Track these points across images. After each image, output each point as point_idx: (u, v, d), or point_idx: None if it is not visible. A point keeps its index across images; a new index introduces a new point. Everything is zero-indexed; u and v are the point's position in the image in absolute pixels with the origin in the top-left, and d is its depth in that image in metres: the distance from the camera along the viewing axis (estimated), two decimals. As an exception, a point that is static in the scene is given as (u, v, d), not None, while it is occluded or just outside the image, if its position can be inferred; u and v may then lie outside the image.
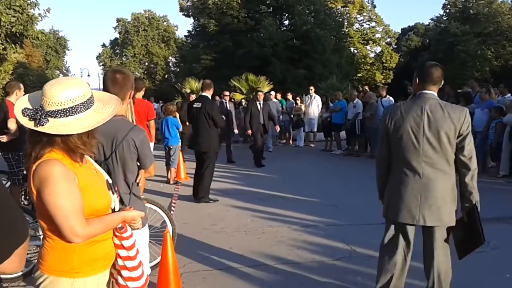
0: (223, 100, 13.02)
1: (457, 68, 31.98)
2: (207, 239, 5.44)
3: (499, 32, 33.52)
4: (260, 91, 11.96)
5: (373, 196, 7.25)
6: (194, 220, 6.30)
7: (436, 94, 3.08)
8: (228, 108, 12.70)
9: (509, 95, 10.09)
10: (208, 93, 7.31)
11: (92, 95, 1.93)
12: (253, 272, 4.38)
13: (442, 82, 3.12)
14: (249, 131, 10.66)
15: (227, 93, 12.54)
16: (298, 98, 15.48)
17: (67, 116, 1.81)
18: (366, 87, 15.84)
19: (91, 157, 2.09)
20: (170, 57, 48.48)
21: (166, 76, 47.91)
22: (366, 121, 11.68)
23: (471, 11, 36.42)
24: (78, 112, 1.84)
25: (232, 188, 8.39)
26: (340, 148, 13.28)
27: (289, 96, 16.26)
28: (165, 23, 49.51)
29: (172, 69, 48.07)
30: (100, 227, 1.90)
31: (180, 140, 9.53)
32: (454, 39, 33.16)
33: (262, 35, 29.73)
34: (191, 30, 35.39)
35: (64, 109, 1.81)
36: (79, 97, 1.85)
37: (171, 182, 8.93)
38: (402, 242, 3.34)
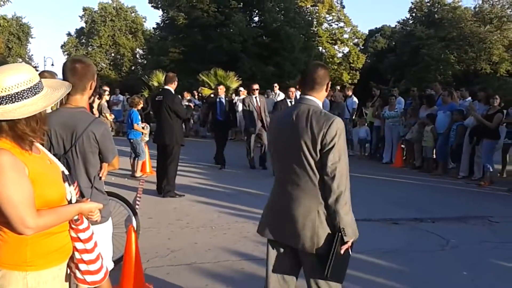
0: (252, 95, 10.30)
1: (421, 71, 32.79)
2: (172, 234, 5.39)
3: (461, 37, 34.49)
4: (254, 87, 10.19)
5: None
6: (159, 214, 6.23)
7: (315, 100, 2.60)
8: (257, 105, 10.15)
9: (469, 98, 10.41)
10: (171, 86, 7.26)
11: (40, 81, 1.88)
12: (218, 267, 4.37)
13: (325, 85, 2.66)
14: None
15: (256, 86, 10.17)
16: (265, 94, 15.52)
17: (13, 102, 1.77)
18: (338, 87, 16.03)
19: (42, 145, 2.05)
20: (138, 49, 47.69)
21: (133, 68, 47.10)
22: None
23: (436, 15, 37.36)
24: (25, 98, 1.79)
25: (198, 183, 8.34)
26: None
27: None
28: (133, 14, 48.63)
29: (139, 61, 47.31)
30: (52, 219, 1.84)
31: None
32: (419, 43, 33.93)
33: (232, 30, 29.64)
34: (160, 22, 34.88)
35: (9, 95, 1.76)
36: (25, 82, 1.80)
37: (136, 175, 8.81)
38: (272, 259, 2.76)
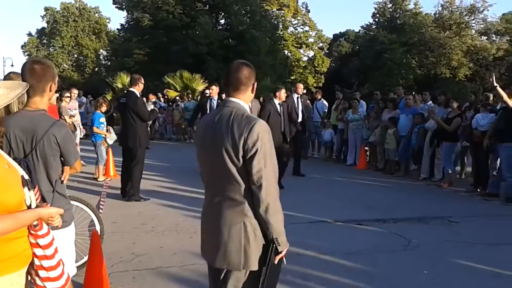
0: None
1: (384, 75, 33.49)
2: (137, 238, 5.32)
3: (422, 42, 35.45)
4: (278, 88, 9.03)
5: (302, 196, 7.47)
6: (123, 219, 6.14)
7: (240, 102, 2.40)
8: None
9: (430, 102, 10.71)
10: (136, 89, 7.17)
11: None
12: (184, 271, 4.34)
13: (251, 86, 2.46)
14: None
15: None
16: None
17: None
18: (305, 90, 16.17)
19: (1, 148, 2.00)
20: (101, 50, 46.82)
21: (96, 69, 46.20)
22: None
23: (398, 21, 38.24)
24: None
25: (164, 187, 8.25)
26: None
27: (223, 96, 16.29)
28: (96, 14, 47.71)
29: (103, 62, 46.40)
30: (9, 224, 1.79)
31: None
32: (381, 47, 34.67)
33: (197, 32, 29.54)
34: (124, 23, 34.42)
35: None
36: None
37: (99, 179, 8.66)
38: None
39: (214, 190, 2.40)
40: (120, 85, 20.14)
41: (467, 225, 6.29)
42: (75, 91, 10.76)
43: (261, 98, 14.71)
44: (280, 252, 2.33)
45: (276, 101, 8.25)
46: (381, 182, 9.38)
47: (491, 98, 8.86)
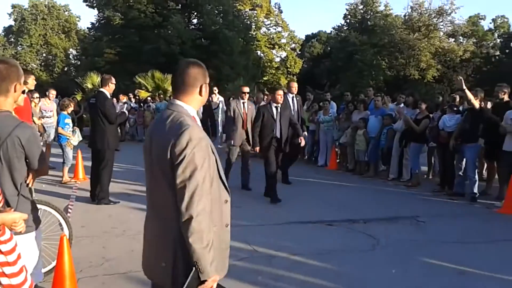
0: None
1: (355, 76, 33.94)
2: (106, 242, 5.26)
3: (392, 44, 36.07)
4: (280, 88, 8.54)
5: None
6: (93, 222, 6.05)
7: (184, 105, 2.21)
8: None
9: (397, 104, 10.88)
10: (106, 89, 7.08)
11: None
12: (155, 275, 4.31)
13: (199, 87, 2.24)
14: (257, 148, 7.84)
15: (246, 89, 8.72)
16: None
17: None
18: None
19: None
20: (71, 49, 45.97)
21: (66, 69, 45.31)
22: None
23: (369, 22, 38.81)
24: None
25: (134, 190, 8.16)
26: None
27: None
28: (66, 12, 46.81)
29: (73, 62, 45.60)
30: None
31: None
32: (353, 48, 35.11)
33: (169, 32, 29.32)
34: (95, 22, 33.86)
35: None
36: None
37: (63, 181, 8.53)
38: None
39: (151, 201, 2.25)
40: (90, 85, 19.82)
41: (434, 224, 6.46)
42: (53, 92, 10.55)
43: (231, 98, 14.77)
44: (203, 282, 1.97)
45: (273, 105, 7.74)
46: (351, 182, 9.52)
47: (458, 99, 9.11)
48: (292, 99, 9.17)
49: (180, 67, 2.25)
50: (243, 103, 8.49)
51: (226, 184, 2.25)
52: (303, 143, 8.00)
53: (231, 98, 14.76)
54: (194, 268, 1.96)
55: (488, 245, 5.58)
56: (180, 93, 2.21)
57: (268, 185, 7.66)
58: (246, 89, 8.75)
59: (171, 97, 2.30)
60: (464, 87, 7.66)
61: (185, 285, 1.94)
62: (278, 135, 7.68)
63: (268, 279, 4.29)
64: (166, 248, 2.08)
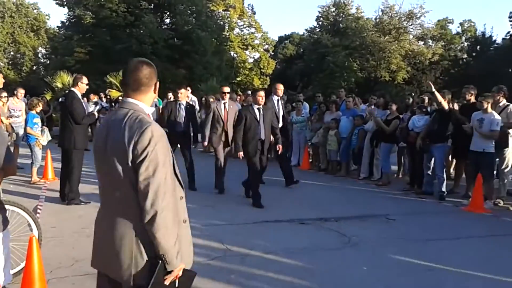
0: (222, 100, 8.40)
1: (327, 78, 34.31)
2: (76, 243, 5.18)
3: (364, 46, 36.62)
4: (255, 90, 8.13)
5: (247, 198, 7.52)
6: (63, 223, 5.95)
7: (139, 103, 2.22)
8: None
9: (369, 105, 11.05)
10: (76, 88, 6.99)
11: None
12: (127, 275, 4.27)
13: (153, 86, 2.27)
14: (240, 153, 7.39)
15: (226, 89, 8.47)
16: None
17: None
18: (249, 92, 16.30)
19: None
20: (40, 48, 44.93)
21: (35, 68, 44.30)
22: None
23: (341, 25, 39.27)
24: None
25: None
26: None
27: (170, 96, 16.08)
28: (35, 10, 45.76)
29: (42, 60, 44.57)
30: None
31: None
32: (325, 50, 35.48)
33: (142, 31, 29.01)
34: (65, 20, 33.18)
35: None
36: None
37: (32, 182, 8.36)
38: None
39: (106, 199, 2.24)
40: (60, 85, 19.39)
41: (404, 222, 6.60)
42: (21, 91, 10.30)
43: (204, 99, 14.75)
44: (170, 272, 2.09)
45: (255, 106, 7.40)
46: (323, 182, 9.62)
47: (426, 100, 9.33)
48: (278, 102, 8.78)
49: (133, 66, 2.23)
50: (224, 103, 8.23)
51: (181, 180, 2.29)
52: (280, 151, 7.86)
53: (203, 98, 14.79)
54: (160, 261, 2.05)
55: (455, 241, 5.73)
56: (134, 92, 2.22)
57: (252, 189, 7.38)
58: (227, 89, 8.48)
59: (123, 96, 2.28)
60: (434, 89, 7.86)
61: (153, 278, 2.03)
62: (262, 137, 7.37)
63: (241, 278, 4.30)
64: (126, 245, 2.10)
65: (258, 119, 7.35)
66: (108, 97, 18.90)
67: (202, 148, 12.86)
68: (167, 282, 2.09)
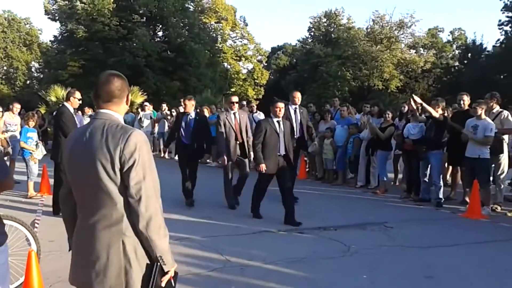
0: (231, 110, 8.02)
1: (320, 87, 34.49)
2: (75, 256, 5.13)
3: (356, 55, 36.90)
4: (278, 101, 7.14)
5: (245, 207, 7.52)
6: (61, 236, 5.83)
7: (114, 113, 2.25)
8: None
9: (361, 114, 11.09)
10: (68, 103, 7.07)
11: None
12: None
13: (125, 97, 2.32)
14: (263, 166, 6.83)
15: (235, 99, 8.05)
16: (173, 110, 15.40)
17: None
18: (244, 102, 16.33)
19: None
20: (33, 62, 44.91)
21: (28, 82, 44.22)
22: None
23: (332, 35, 39.57)
24: None
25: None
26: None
27: (165, 107, 16.10)
28: (27, 25, 45.83)
29: (35, 75, 44.52)
30: None
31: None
32: (317, 60, 35.70)
33: (134, 44, 29.11)
34: (58, 35, 33.24)
35: None
36: None
37: (28, 196, 8.31)
38: None
39: (87, 210, 2.17)
40: (54, 99, 19.37)
41: (402, 229, 6.60)
42: (17, 106, 10.32)
43: (199, 110, 14.75)
44: (167, 273, 2.14)
45: (275, 119, 6.96)
46: (321, 191, 9.63)
47: (406, 109, 9.44)
48: (295, 111, 8.00)
49: (104, 79, 2.26)
50: (234, 114, 7.84)
51: None
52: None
53: (198, 110, 14.79)
54: (156, 263, 2.10)
55: (454, 248, 5.75)
56: (108, 103, 2.24)
57: (254, 200, 7.17)
58: (235, 99, 8.00)
59: (96, 108, 2.31)
60: (419, 104, 8.01)
61: (152, 279, 2.08)
62: (283, 152, 6.92)
63: (240, 288, 4.29)
64: (114, 254, 2.10)
65: (278, 132, 6.91)
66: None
67: (216, 163, 12.45)
68: (163, 284, 2.13)
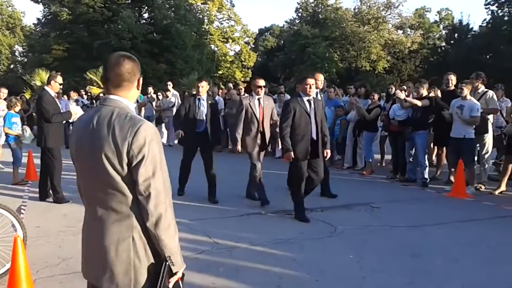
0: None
1: (308, 69, 34.40)
2: (63, 242, 5.13)
3: (344, 36, 36.86)
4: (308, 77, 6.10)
5: (234, 190, 7.53)
6: (48, 222, 5.89)
7: (123, 100, 2.07)
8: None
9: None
10: (49, 87, 6.93)
11: None
12: (115, 272, 4.26)
13: (136, 81, 2.13)
14: (290, 154, 5.97)
15: (261, 82, 6.98)
16: (159, 93, 15.29)
17: None
18: (231, 84, 16.27)
19: None
20: (17, 46, 44.15)
21: (12, 66, 43.51)
22: (228, 117, 11.99)
23: (320, 16, 39.44)
24: None
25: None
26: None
27: (151, 91, 15.97)
28: (10, 8, 44.92)
29: (19, 59, 43.82)
30: None
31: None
32: (305, 41, 35.61)
33: (120, 27, 28.72)
34: (41, 17, 32.66)
35: None
36: None
37: (14, 183, 8.25)
38: None
39: (96, 204, 2.06)
40: (38, 83, 19.09)
41: (388, 209, 6.69)
42: (4, 91, 10.08)
43: (186, 93, 14.66)
44: (175, 274, 2.04)
45: (305, 97, 6.02)
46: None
47: (406, 90, 9.46)
48: (317, 95, 6.70)
49: (113, 61, 2.07)
50: (258, 99, 6.84)
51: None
52: (328, 156, 6.47)
53: (186, 93, 14.71)
54: (165, 263, 1.99)
55: (439, 227, 5.84)
56: (117, 88, 2.07)
57: (295, 200, 6.23)
58: (261, 82, 6.94)
59: (105, 93, 2.15)
60: (403, 97, 8.06)
61: (161, 280, 1.96)
62: (314, 136, 6.02)
63: (229, 271, 4.32)
64: (123, 251, 1.99)
65: (309, 113, 5.98)
66: (89, 94, 18.70)
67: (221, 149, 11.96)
68: (171, 285, 2.03)
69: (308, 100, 5.98)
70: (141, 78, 2.17)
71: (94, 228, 2.07)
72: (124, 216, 1.99)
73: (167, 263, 1.99)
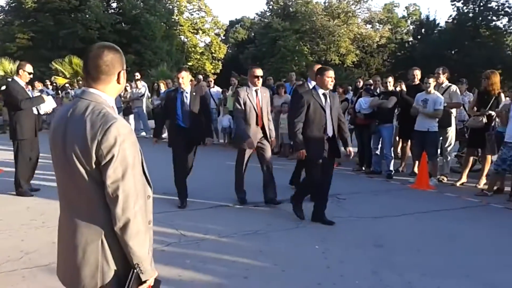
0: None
1: (278, 62, 34.59)
2: (25, 235, 5.04)
3: (314, 30, 37.10)
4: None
5: (202, 182, 7.52)
6: (10, 215, 5.76)
7: (101, 94, 1.95)
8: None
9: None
10: (18, 76, 6.73)
11: None
12: (79, 265, 4.20)
13: (116, 75, 2.00)
14: (303, 152, 5.47)
15: (259, 72, 6.36)
16: (127, 84, 15.05)
17: None
18: (201, 76, 16.15)
19: None
20: (-22, 34, 42.64)
21: (-27, 55, 42.03)
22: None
23: (291, 9, 39.54)
24: None
25: (53, 180, 7.79)
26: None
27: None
28: (-30, -6, 43.29)
29: (-19, 47, 42.35)
30: None
31: None
32: (276, 34, 35.67)
33: (87, 16, 28.11)
34: (4, 5, 31.62)
35: None
36: None
37: None
38: None
39: (68, 202, 1.98)
40: (1, 73, 18.57)
41: (354, 201, 6.81)
42: None
43: (155, 84, 14.50)
44: (144, 282, 1.91)
45: (320, 91, 5.53)
46: (277, 164, 9.63)
47: (373, 83, 9.60)
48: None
49: (93, 52, 1.96)
50: (256, 91, 6.31)
51: (149, 178, 2.06)
52: (352, 155, 5.99)
53: (155, 84, 14.54)
54: (133, 270, 1.88)
55: (402, 217, 6.00)
56: (95, 81, 1.95)
57: (312, 197, 6.07)
58: (259, 72, 6.34)
59: (84, 85, 2.02)
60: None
61: (127, 286, 1.87)
62: (330, 132, 5.55)
63: (196, 262, 4.33)
64: (92, 253, 1.89)
65: (324, 107, 5.49)
66: (54, 84, 18.27)
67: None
68: None
69: (324, 94, 5.47)
70: (124, 71, 2.05)
71: (65, 228, 1.99)
72: (94, 218, 1.88)
73: (135, 270, 1.88)
